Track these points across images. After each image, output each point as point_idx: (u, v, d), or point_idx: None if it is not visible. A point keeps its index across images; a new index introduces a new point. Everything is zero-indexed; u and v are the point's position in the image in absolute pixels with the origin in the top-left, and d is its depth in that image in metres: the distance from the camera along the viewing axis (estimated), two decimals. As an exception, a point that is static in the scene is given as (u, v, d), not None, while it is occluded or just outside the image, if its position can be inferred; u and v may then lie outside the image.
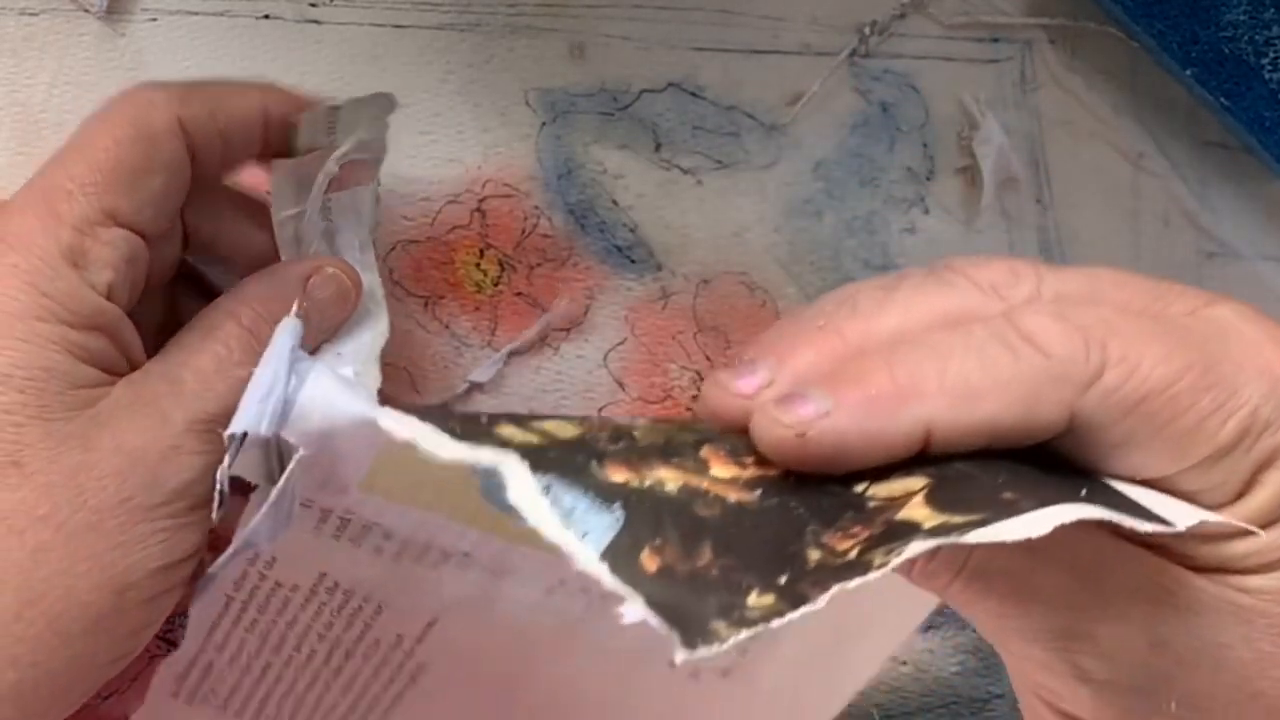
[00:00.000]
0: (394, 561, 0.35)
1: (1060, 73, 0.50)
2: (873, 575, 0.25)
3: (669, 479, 0.27)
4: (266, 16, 0.44)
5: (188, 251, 0.40)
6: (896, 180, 0.49)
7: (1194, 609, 0.29)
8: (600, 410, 0.47)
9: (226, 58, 0.44)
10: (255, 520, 0.33)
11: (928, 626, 0.50)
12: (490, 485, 0.33)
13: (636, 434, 0.29)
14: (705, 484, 0.27)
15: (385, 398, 0.35)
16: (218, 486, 0.33)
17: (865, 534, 0.26)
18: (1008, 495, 0.26)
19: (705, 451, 0.28)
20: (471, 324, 0.46)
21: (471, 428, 0.27)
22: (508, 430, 0.27)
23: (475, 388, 0.46)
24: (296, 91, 0.40)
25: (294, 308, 0.36)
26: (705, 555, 0.25)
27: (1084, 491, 0.27)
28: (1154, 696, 0.29)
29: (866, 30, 0.49)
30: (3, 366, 0.33)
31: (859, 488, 0.27)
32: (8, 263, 0.34)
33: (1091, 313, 0.29)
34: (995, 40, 0.50)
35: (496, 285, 0.46)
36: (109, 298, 0.35)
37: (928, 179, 0.50)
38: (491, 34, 0.46)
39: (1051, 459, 0.29)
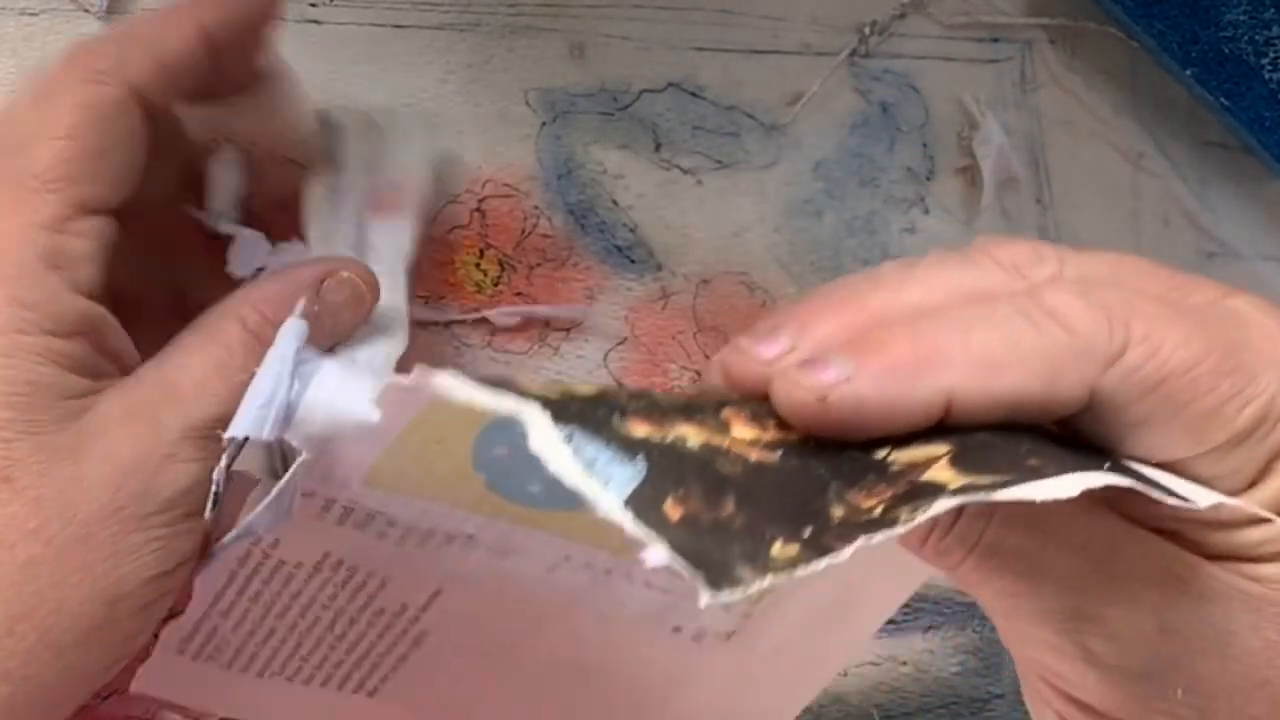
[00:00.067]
0: (398, 545, 0.35)
1: (1060, 73, 0.51)
2: (899, 529, 0.25)
3: (690, 436, 0.27)
4: (266, 16, 0.44)
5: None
6: (896, 180, 0.49)
7: (1205, 596, 0.29)
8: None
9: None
10: (256, 511, 0.33)
11: (928, 627, 0.50)
12: (495, 476, 0.33)
13: (656, 396, 0.29)
14: (726, 443, 0.27)
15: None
16: (213, 489, 0.33)
17: (889, 493, 0.26)
18: (1032, 462, 0.26)
19: (726, 413, 0.28)
20: (471, 324, 0.46)
21: (492, 380, 0.27)
22: (528, 383, 0.27)
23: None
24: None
25: (298, 308, 0.35)
26: (729, 507, 0.25)
27: (1106, 465, 0.27)
28: (1161, 682, 0.29)
29: (866, 30, 0.49)
30: None
31: (880, 453, 0.28)
32: None
33: (1114, 294, 0.29)
34: (995, 40, 0.50)
35: (496, 285, 0.46)
36: (92, 294, 0.34)
37: (928, 179, 0.50)
38: (491, 34, 0.46)
39: (1069, 439, 0.29)
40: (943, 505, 0.25)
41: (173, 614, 0.37)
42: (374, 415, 0.32)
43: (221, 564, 0.35)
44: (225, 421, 0.33)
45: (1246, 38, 0.49)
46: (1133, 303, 0.28)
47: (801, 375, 0.28)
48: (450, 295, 0.46)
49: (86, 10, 0.43)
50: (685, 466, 0.26)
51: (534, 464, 0.25)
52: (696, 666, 0.41)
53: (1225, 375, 0.28)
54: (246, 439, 0.33)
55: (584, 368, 0.47)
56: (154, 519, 0.34)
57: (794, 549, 0.24)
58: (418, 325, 0.45)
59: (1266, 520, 0.28)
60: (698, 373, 0.48)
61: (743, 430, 0.28)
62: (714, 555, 0.24)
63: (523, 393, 0.26)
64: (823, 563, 0.24)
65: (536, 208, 0.46)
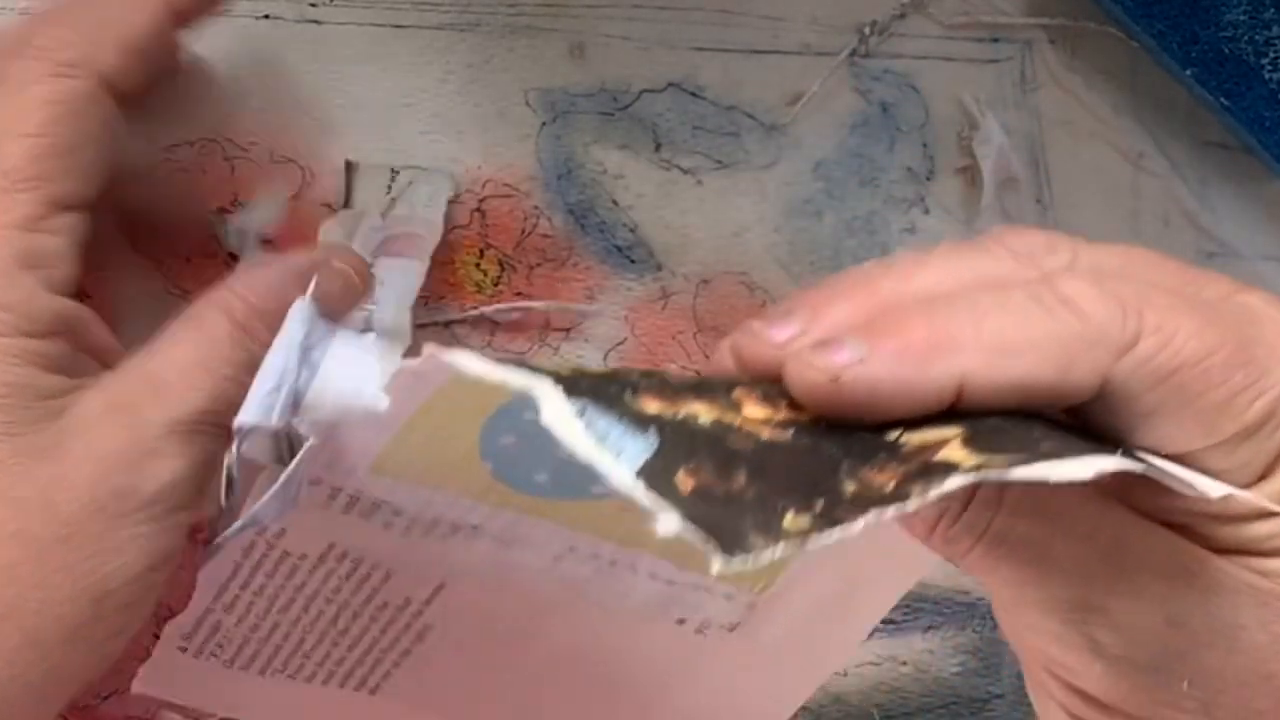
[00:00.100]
0: (403, 535, 0.35)
1: (1060, 73, 0.51)
2: (911, 504, 0.25)
3: (702, 413, 0.27)
4: (266, 16, 0.44)
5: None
6: (896, 180, 0.49)
7: (1213, 589, 0.29)
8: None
9: (226, 57, 0.44)
10: (263, 501, 0.33)
11: (928, 627, 0.50)
12: (502, 465, 0.33)
13: (667, 376, 0.29)
14: (738, 421, 0.27)
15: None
16: (225, 475, 0.33)
17: (901, 471, 0.26)
18: (1045, 446, 0.26)
19: (737, 393, 0.28)
20: (471, 324, 0.46)
21: (503, 359, 0.27)
22: (540, 360, 0.27)
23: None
24: None
25: (309, 288, 0.35)
26: (740, 480, 0.25)
27: (1119, 452, 0.27)
28: (1167, 674, 0.29)
29: (866, 30, 0.49)
30: None
31: (892, 435, 0.28)
32: None
33: (1128, 284, 0.29)
34: (995, 40, 0.50)
35: (496, 285, 0.46)
36: (67, 291, 0.34)
37: (928, 179, 0.50)
38: (491, 34, 0.46)
39: (1079, 428, 0.29)
40: (956, 482, 0.25)
41: (172, 613, 0.37)
42: (382, 402, 0.32)
43: (226, 556, 0.35)
44: (210, 415, 0.33)
45: (1246, 38, 0.49)
46: (1146, 293, 0.28)
47: (815, 356, 0.28)
48: (450, 295, 0.46)
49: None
50: (697, 441, 0.26)
51: (541, 452, 0.25)
52: (700, 659, 0.41)
53: (1238, 368, 0.28)
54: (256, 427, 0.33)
55: (584, 368, 0.47)
56: (137, 515, 0.33)
57: (806, 520, 0.24)
58: (417, 327, 0.45)
59: (1275, 514, 0.28)
60: (697, 373, 0.48)
61: (754, 410, 0.28)
62: (726, 524, 0.24)
63: (535, 369, 0.26)
64: (834, 534, 0.24)
65: (536, 208, 0.46)
